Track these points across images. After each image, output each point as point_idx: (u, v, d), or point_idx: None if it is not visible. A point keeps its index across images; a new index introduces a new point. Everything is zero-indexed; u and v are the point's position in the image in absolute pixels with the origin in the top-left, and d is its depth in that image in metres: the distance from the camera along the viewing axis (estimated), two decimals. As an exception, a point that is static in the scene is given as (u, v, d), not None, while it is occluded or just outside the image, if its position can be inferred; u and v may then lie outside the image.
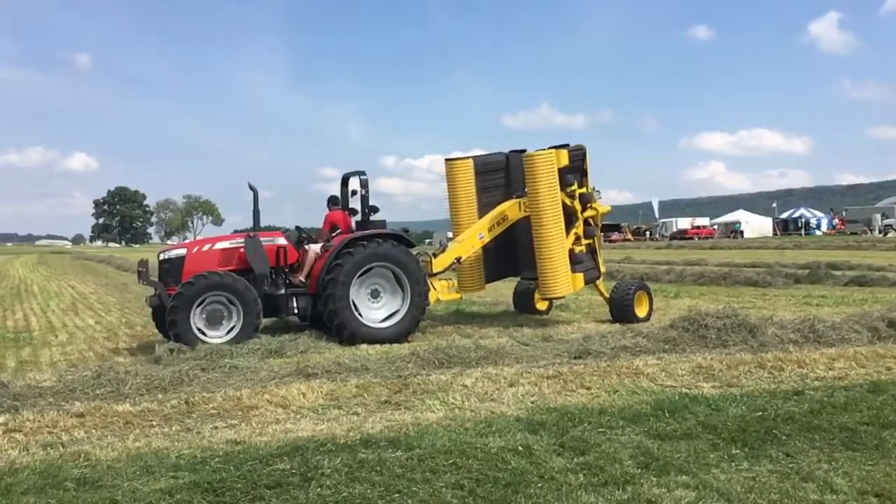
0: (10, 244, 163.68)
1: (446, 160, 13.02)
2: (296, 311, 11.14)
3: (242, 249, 10.83)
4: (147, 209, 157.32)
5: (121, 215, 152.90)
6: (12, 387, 7.37)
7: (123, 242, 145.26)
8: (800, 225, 74.50)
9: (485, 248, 12.58)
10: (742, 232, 73.25)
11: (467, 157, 12.94)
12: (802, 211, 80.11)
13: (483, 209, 12.64)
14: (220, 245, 11.04)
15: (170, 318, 9.99)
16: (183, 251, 10.97)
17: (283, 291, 11.06)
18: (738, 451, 5.25)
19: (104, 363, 8.96)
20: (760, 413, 6.17)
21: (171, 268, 10.74)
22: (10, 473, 4.97)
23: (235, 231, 12.08)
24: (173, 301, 10.03)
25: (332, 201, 12.23)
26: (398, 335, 10.90)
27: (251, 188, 11.26)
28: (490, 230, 12.31)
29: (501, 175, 13.00)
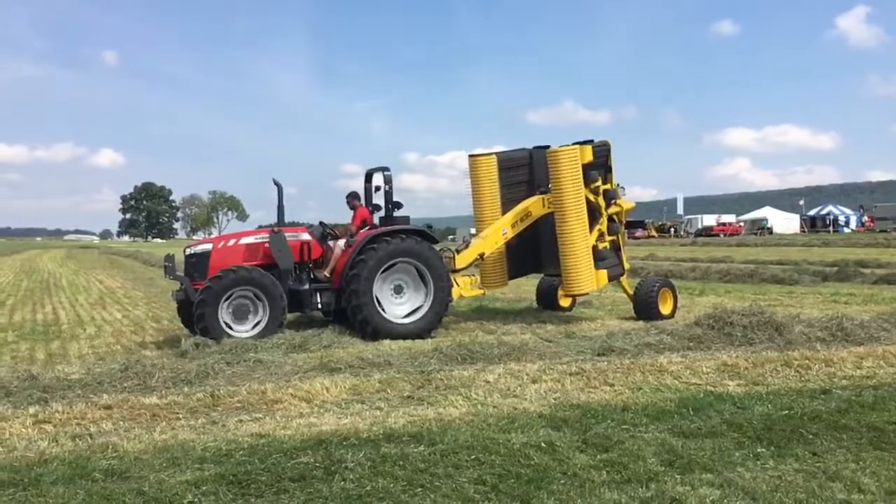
0: (38, 239, 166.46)
1: (469, 156, 13.01)
2: (319, 306, 11.21)
3: (267, 245, 10.92)
4: (173, 205, 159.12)
5: (147, 211, 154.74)
6: (42, 379, 7.48)
7: (150, 237, 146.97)
8: (828, 222, 73.52)
9: (508, 245, 12.56)
10: (770, 229, 72.43)
11: (490, 154, 12.92)
12: (831, 208, 79.06)
13: (506, 205, 12.61)
14: (245, 240, 11.13)
15: (198, 312, 10.08)
16: (209, 246, 11.08)
17: (306, 287, 11.13)
18: (763, 449, 5.20)
19: (131, 356, 9.08)
20: (787, 412, 6.11)
21: (197, 262, 10.85)
22: (40, 464, 5.06)
23: (260, 227, 12.16)
24: (202, 295, 10.12)
25: (353, 196, 12.25)
26: (421, 331, 10.93)
27: (276, 184, 11.33)
28: (513, 226, 12.28)
29: (525, 171, 12.96)
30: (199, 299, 10.11)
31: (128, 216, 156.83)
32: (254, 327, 10.37)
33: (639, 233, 70.08)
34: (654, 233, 75.31)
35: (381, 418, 6.17)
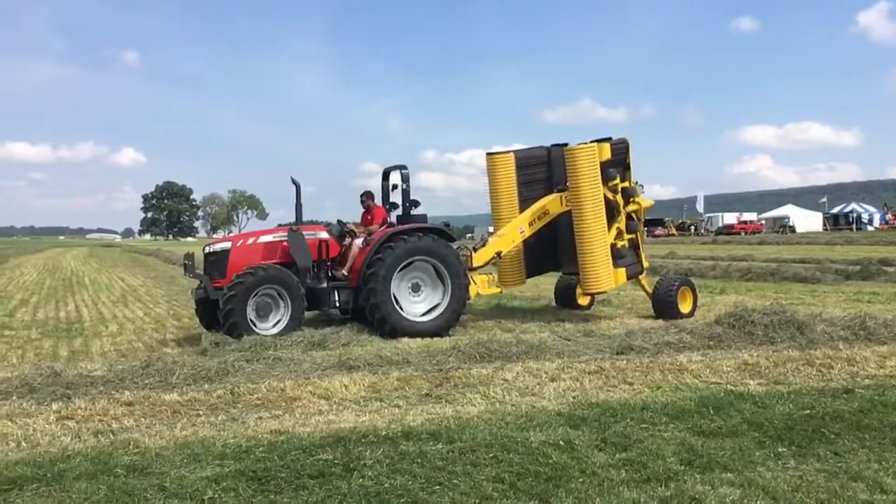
0: (62, 237, 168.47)
1: (487, 154, 13.00)
2: (337, 304, 11.25)
3: (285, 243, 10.97)
4: (193, 203, 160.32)
5: (168, 209, 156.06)
6: (65, 375, 7.57)
7: (171, 236, 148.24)
8: (851, 220, 72.61)
9: (526, 243, 12.53)
10: (792, 227, 71.70)
11: (508, 152, 12.90)
12: (854, 206, 78.05)
13: (524, 203, 12.59)
14: (263, 239, 11.19)
15: (227, 308, 10.10)
16: (228, 245, 11.14)
17: (325, 285, 11.18)
18: (784, 449, 5.16)
19: (153, 354, 9.17)
20: (808, 411, 6.05)
21: (216, 261, 10.93)
22: (63, 459, 5.12)
23: (279, 225, 12.23)
24: (232, 291, 10.17)
25: (367, 196, 12.24)
26: (439, 329, 10.93)
27: (294, 183, 11.38)
28: (531, 224, 12.25)
29: (543, 169, 12.92)
30: (230, 295, 10.15)
31: (149, 215, 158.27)
32: (275, 325, 10.45)
33: (658, 231, 69.58)
34: (673, 231, 74.78)
35: (399, 416, 6.18)
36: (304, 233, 11.11)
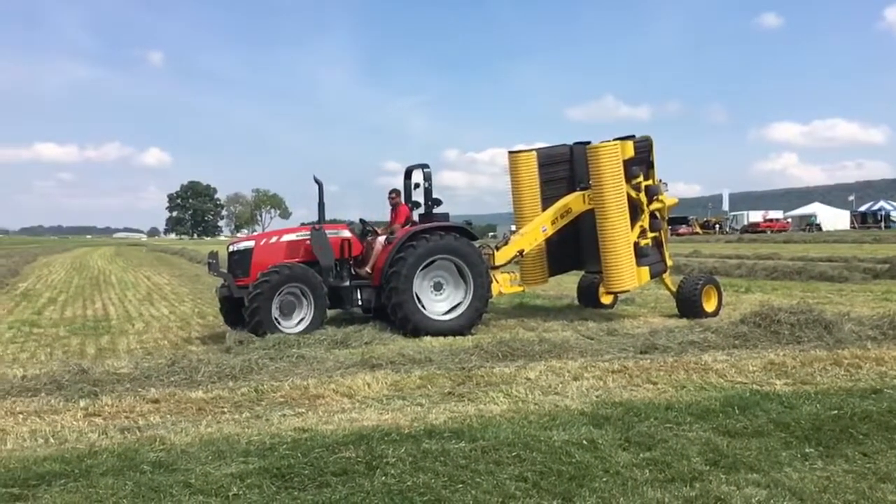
0: (89, 237, 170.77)
1: (509, 153, 12.97)
2: (360, 302, 11.29)
3: (308, 242, 11.03)
4: (218, 203, 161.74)
5: (193, 209, 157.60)
6: (92, 373, 7.67)
7: (195, 235, 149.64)
8: (879, 218, 71.52)
9: (548, 241, 12.49)
10: (819, 225, 70.77)
11: (531, 150, 12.86)
12: (882, 203, 76.90)
13: (546, 202, 12.54)
14: (286, 237, 11.26)
15: (253, 306, 10.17)
16: (251, 243, 11.22)
17: (347, 283, 11.22)
18: (811, 449, 5.09)
19: (178, 351, 9.27)
20: (836, 411, 5.96)
21: (239, 259, 11.02)
22: (90, 455, 5.18)
23: (302, 224, 12.29)
24: (258, 289, 10.23)
25: (395, 193, 12.27)
26: (461, 328, 10.93)
27: (316, 181, 11.44)
28: (553, 223, 12.21)
29: (565, 167, 12.87)
30: (256, 293, 10.22)
31: (174, 214, 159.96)
32: (298, 323, 10.51)
33: (683, 229, 69.04)
34: (698, 229, 74.14)
35: (421, 414, 6.19)
36: (327, 232, 11.16)
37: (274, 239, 11.28)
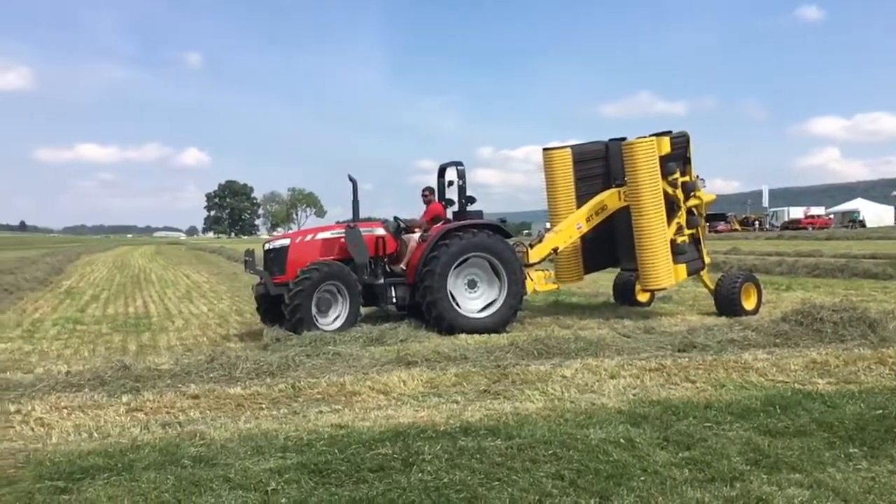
0: (129, 236, 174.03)
1: (544, 150, 12.90)
2: (394, 300, 11.32)
3: (343, 240, 11.09)
4: (254, 202, 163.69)
5: (230, 208, 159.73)
6: (134, 369, 7.80)
7: (233, 234, 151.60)
8: (925, 213, 69.66)
9: (583, 239, 12.41)
10: (862, 221, 69.21)
11: (565, 147, 12.78)
12: (928, 199, 74.86)
13: (581, 199, 12.45)
14: (321, 235, 11.33)
15: (294, 303, 10.21)
16: (287, 241, 11.30)
17: (381, 281, 11.26)
18: (855, 450, 4.98)
19: (217, 348, 9.39)
20: (881, 411, 5.83)
21: (275, 257, 11.10)
22: (133, 450, 5.28)
23: (338, 222, 12.35)
24: (299, 286, 10.28)
25: (429, 191, 12.28)
26: (495, 325, 10.91)
27: (350, 180, 11.50)
28: (588, 220, 12.12)
29: (601, 164, 12.77)
30: (297, 291, 10.26)
31: (212, 213, 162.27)
32: (334, 321, 10.60)
33: (721, 226, 68.03)
34: (737, 226, 72.98)
35: (457, 412, 6.19)
36: (361, 229, 11.22)
37: (309, 237, 11.36)
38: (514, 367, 7.74)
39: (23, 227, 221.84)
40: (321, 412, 6.31)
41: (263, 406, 6.58)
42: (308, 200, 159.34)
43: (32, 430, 5.90)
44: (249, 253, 11.66)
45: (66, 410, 6.42)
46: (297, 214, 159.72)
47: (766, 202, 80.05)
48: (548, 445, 5.16)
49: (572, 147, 12.77)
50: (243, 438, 5.51)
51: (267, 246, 11.47)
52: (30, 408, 6.46)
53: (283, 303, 10.36)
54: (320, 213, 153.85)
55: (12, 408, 6.46)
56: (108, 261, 40.33)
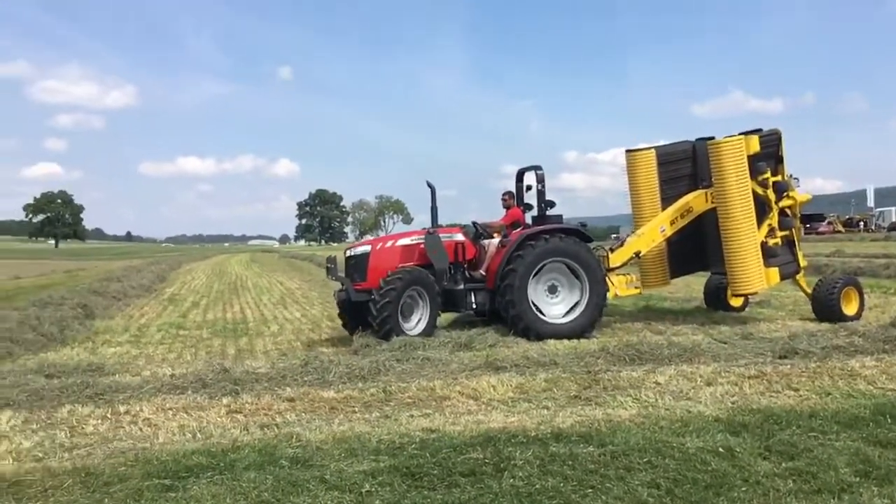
0: (226, 244, 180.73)
1: (627, 151, 12.67)
2: (474, 305, 11.29)
3: (423, 245, 11.11)
4: (343, 210, 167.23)
5: (320, 216, 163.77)
6: (233, 372, 8.09)
7: (323, 241, 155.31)
8: None
9: (669, 242, 12.12)
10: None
11: (649, 148, 12.52)
12: None
13: (667, 201, 12.17)
14: (401, 242, 11.38)
15: (383, 313, 10.16)
16: (367, 248, 11.35)
17: (461, 286, 11.25)
18: (977, 463, 4.66)
19: (310, 353, 9.62)
20: None
21: (356, 264, 11.17)
22: (233, 450, 5.47)
23: (423, 228, 12.43)
24: (387, 295, 10.27)
25: (509, 195, 12.22)
26: (576, 331, 10.75)
27: (429, 186, 11.55)
28: (672, 223, 11.82)
29: (687, 165, 12.44)
30: (386, 300, 10.22)
31: (303, 221, 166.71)
32: (416, 325, 10.65)
33: (822, 227, 65.00)
34: (840, 227, 69.54)
35: (548, 417, 6.15)
36: (441, 235, 11.25)
37: (389, 243, 11.41)
38: (606, 372, 7.62)
39: (129, 237, 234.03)
40: (412, 416, 6.38)
41: (356, 409, 6.70)
42: (395, 207, 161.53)
43: (141, 430, 6.20)
44: (331, 260, 11.76)
45: (171, 411, 6.70)
46: (384, 221, 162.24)
47: (871, 202, 75.97)
48: (642, 453, 5.05)
49: (657, 148, 12.50)
50: (337, 441, 5.63)
51: (348, 253, 11.56)
52: (138, 409, 6.78)
53: (369, 311, 10.37)
54: (407, 219, 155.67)
55: (122, 409, 6.80)
56: (206, 269, 42.00)
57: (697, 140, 12.47)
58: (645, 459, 4.94)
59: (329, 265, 11.74)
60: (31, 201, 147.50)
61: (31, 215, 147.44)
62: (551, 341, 10.26)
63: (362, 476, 4.79)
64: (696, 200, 11.85)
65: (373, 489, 4.59)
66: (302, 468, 5.00)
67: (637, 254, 11.77)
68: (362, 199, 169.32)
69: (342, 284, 11.28)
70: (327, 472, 4.87)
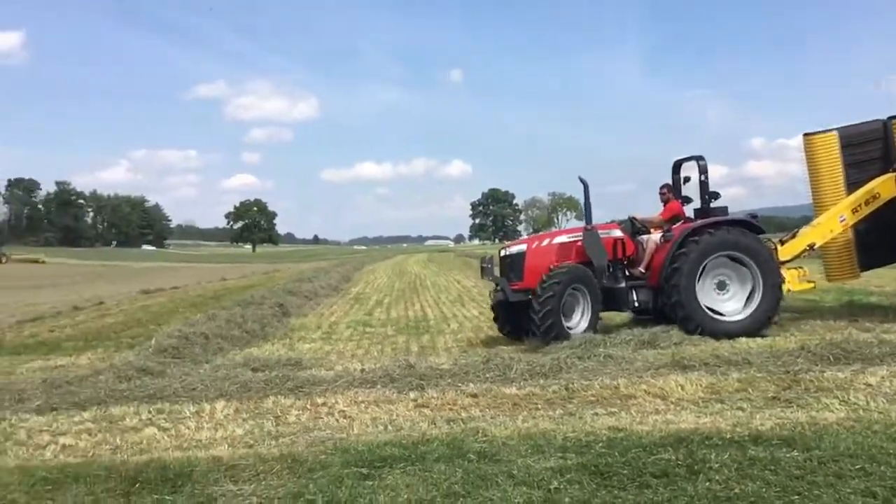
0: (405, 245, 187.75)
1: (804, 135, 11.65)
2: (636, 304, 10.85)
3: (580, 243, 10.79)
4: (516, 208, 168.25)
5: (493, 215, 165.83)
6: (418, 368, 8.38)
7: (496, 240, 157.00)
8: None
9: (857, 231, 11.08)
10: None
11: (830, 130, 11.41)
12: None
13: (853, 187, 11.07)
14: (558, 239, 11.10)
15: (545, 309, 9.96)
16: (523, 247, 11.15)
17: (623, 284, 10.83)
18: None
19: (491, 350, 9.76)
20: None
21: (512, 263, 10.99)
22: (423, 443, 5.65)
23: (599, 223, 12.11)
24: (549, 292, 10.05)
25: (667, 188, 11.60)
26: (748, 329, 10.05)
27: (581, 182, 11.27)
28: (855, 211, 10.76)
29: (877, 146, 11.23)
30: (548, 296, 10.00)
31: (477, 221, 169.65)
32: (577, 324, 10.36)
33: None
34: None
35: (744, 419, 5.82)
36: (599, 231, 10.91)
37: (546, 241, 11.14)
38: (807, 373, 7.10)
39: (316, 240, 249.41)
40: (596, 414, 6.28)
41: (539, 406, 6.70)
42: (568, 204, 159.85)
43: (337, 420, 6.57)
44: (488, 259, 11.64)
45: (363, 404, 7.06)
46: (557, 218, 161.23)
47: None
48: (854, 459, 4.66)
49: (839, 130, 11.38)
50: (522, 437, 5.66)
51: (503, 252, 11.40)
52: (333, 401, 7.19)
53: (530, 310, 10.14)
54: (581, 216, 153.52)
55: (320, 400, 7.24)
56: (387, 269, 43.87)
57: (889, 118, 11.27)
58: (857, 466, 4.54)
59: (484, 265, 11.59)
60: (231, 210, 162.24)
61: (231, 223, 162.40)
62: (742, 339, 9.71)
63: (550, 473, 4.78)
64: (883, 185, 10.74)
65: (561, 486, 4.56)
66: (489, 462, 5.07)
67: (811, 246, 10.86)
68: (535, 196, 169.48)
69: (497, 285, 11.11)
70: (514, 468, 4.90)
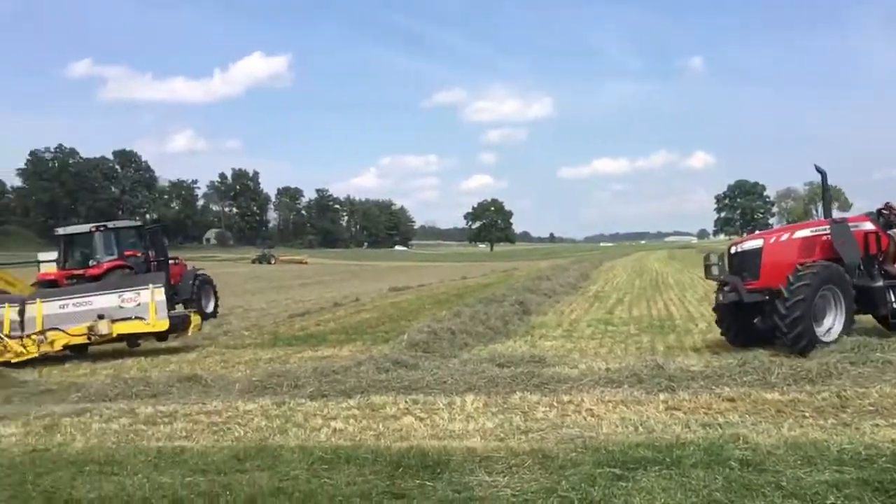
0: (643, 241, 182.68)
1: None
2: (894, 306, 9.51)
3: (825, 237, 9.60)
4: (767, 199, 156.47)
5: (741, 208, 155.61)
6: (667, 368, 8.09)
7: (744, 234, 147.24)
8: None
9: None
10: None
11: None
12: None
13: None
14: (799, 233, 9.97)
15: (794, 315, 8.92)
16: (759, 242, 10.12)
17: (879, 283, 9.53)
18: None
19: (747, 352, 9.12)
20: None
21: (745, 260, 10.01)
22: (678, 447, 5.43)
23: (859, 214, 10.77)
24: (799, 294, 8.95)
25: None
26: None
27: (818, 170, 10.03)
28: None
29: None
30: (797, 300, 8.92)
31: (722, 215, 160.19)
32: (827, 331, 9.26)
33: None
34: None
35: None
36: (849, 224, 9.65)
37: (785, 236, 10.04)
38: None
39: (552, 238, 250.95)
40: (877, 425, 5.67)
41: (806, 414, 6.18)
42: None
43: (585, 419, 6.53)
44: (713, 257, 10.69)
45: (610, 404, 6.95)
46: (815, 210, 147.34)
47: None
48: None
49: None
50: (790, 446, 5.24)
51: (734, 249, 10.42)
52: (580, 399, 7.17)
53: (777, 314, 9.10)
54: (844, 206, 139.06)
55: (566, 398, 7.25)
56: (626, 266, 42.94)
57: None
58: None
59: (712, 263, 10.59)
60: (470, 210, 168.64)
61: (469, 222, 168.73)
62: None
63: (825, 487, 4.38)
64: None
65: (837, 502, 4.16)
66: (753, 472, 4.75)
67: None
68: (789, 186, 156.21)
69: (726, 285, 10.09)
70: (783, 479, 4.55)
